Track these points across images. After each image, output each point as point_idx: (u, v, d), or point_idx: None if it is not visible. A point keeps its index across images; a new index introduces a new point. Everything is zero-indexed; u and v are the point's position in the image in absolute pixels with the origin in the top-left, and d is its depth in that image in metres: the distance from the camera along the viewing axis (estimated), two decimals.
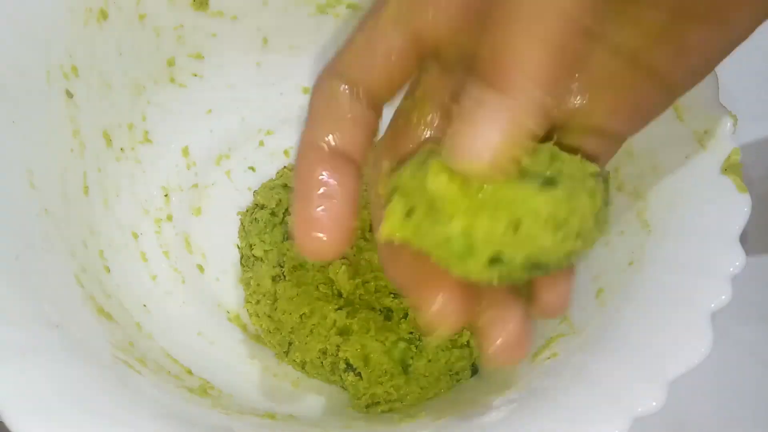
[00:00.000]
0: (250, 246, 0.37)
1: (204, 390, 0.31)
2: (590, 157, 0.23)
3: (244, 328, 0.36)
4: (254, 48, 0.40)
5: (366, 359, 0.32)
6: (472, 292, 0.22)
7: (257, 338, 0.36)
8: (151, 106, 0.38)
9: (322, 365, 0.33)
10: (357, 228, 0.34)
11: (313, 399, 0.34)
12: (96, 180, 0.35)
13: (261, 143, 0.40)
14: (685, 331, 0.25)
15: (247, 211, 0.38)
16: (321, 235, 0.21)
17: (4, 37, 0.29)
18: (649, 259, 0.28)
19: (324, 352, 0.33)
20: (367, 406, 0.32)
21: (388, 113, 0.24)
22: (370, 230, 0.34)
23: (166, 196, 0.38)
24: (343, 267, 0.33)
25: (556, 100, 0.19)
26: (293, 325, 0.34)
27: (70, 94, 0.33)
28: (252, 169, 0.40)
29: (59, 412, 0.22)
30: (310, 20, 0.40)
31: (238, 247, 0.38)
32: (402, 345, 0.32)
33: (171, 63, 0.38)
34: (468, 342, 0.33)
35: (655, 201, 0.29)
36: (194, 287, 0.36)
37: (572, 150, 0.22)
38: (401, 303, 0.33)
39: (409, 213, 0.20)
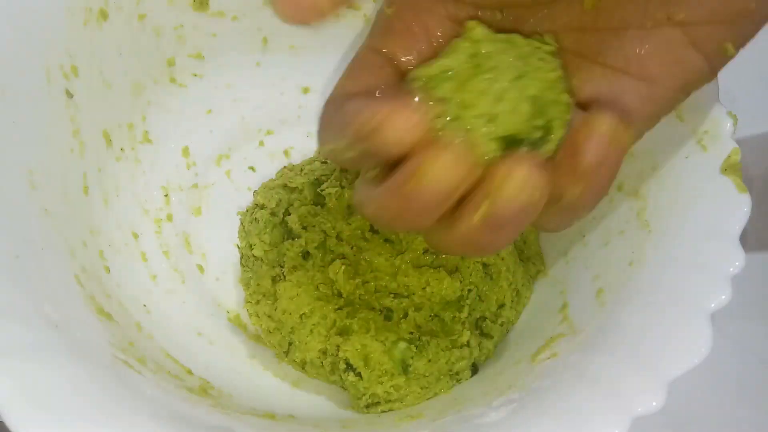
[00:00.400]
0: (250, 246, 0.37)
1: (204, 390, 0.31)
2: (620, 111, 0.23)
3: (244, 328, 0.36)
4: (254, 48, 0.40)
5: (366, 359, 0.32)
6: None
7: (257, 338, 0.36)
8: (151, 106, 0.38)
9: (322, 365, 0.33)
10: (357, 228, 0.34)
11: (313, 399, 0.34)
12: (96, 180, 0.35)
13: (261, 143, 0.40)
14: (685, 331, 0.25)
15: (247, 211, 0.38)
16: None
17: (4, 37, 0.29)
18: (649, 259, 0.28)
19: (324, 352, 0.33)
20: (367, 406, 0.32)
21: None
22: (370, 230, 0.34)
23: (166, 196, 0.38)
24: (343, 267, 0.33)
25: None
26: (293, 325, 0.34)
27: (70, 94, 0.33)
28: (252, 169, 0.40)
29: (59, 412, 0.22)
30: None
31: (238, 247, 0.38)
32: (402, 345, 0.32)
33: (171, 63, 0.38)
34: (468, 342, 0.33)
35: (655, 201, 0.29)
36: (194, 287, 0.36)
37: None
38: (401, 303, 0.33)
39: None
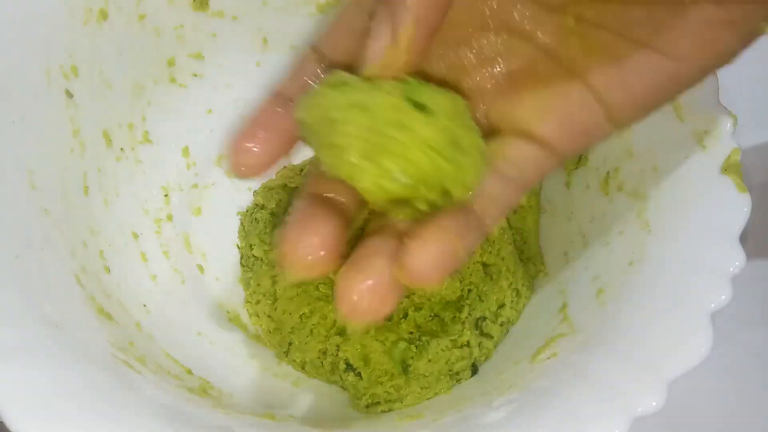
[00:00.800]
0: (250, 246, 0.37)
1: (204, 390, 0.31)
2: (532, 169, 0.24)
3: (244, 328, 0.36)
4: (254, 48, 0.40)
5: (366, 359, 0.32)
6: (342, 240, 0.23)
7: (257, 338, 0.36)
8: (151, 106, 0.38)
9: (322, 365, 0.33)
10: (358, 228, 0.34)
11: (313, 399, 0.34)
12: (96, 180, 0.35)
13: None
14: (685, 331, 0.25)
15: (247, 211, 0.38)
16: (253, 146, 0.24)
17: (4, 37, 0.29)
18: (649, 259, 0.28)
19: (324, 352, 0.33)
20: (367, 406, 0.32)
21: None
22: None
23: (166, 196, 0.38)
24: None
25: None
26: (293, 325, 0.34)
27: (70, 94, 0.33)
28: None
29: (59, 412, 0.22)
30: (310, 20, 0.40)
31: (238, 247, 0.38)
32: (402, 345, 0.32)
33: (171, 63, 0.38)
34: (468, 342, 0.33)
35: (655, 201, 0.29)
36: (194, 287, 0.36)
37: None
38: (401, 303, 0.33)
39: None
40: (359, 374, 0.32)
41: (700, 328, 0.25)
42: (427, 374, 0.32)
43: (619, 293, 0.29)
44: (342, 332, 0.33)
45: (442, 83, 0.24)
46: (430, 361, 0.32)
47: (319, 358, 0.33)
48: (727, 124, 0.28)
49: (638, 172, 0.31)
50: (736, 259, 0.26)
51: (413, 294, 0.33)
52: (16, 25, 0.30)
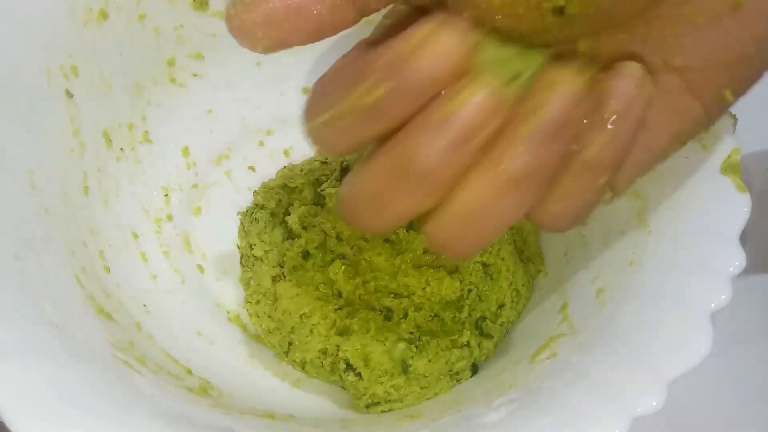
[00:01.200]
0: (250, 246, 0.37)
1: (204, 390, 0.31)
2: None
3: (244, 328, 0.36)
4: None
5: (366, 359, 0.32)
6: None
7: (257, 338, 0.36)
8: (151, 106, 0.38)
9: (322, 365, 0.33)
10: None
11: (313, 399, 0.34)
12: (96, 180, 0.35)
13: (261, 143, 0.40)
14: (685, 331, 0.25)
15: (247, 211, 0.38)
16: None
17: (3, 37, 0.29)
18: (649, 259, 0.28)
19: (324, 352, 0.33)
20: (367, 406, 0.32)
21: None
22: None
23: (166, 196, 0.38)
24: (343, 267, 0.33)
25: None
26: (293, 325, 0.34)
27: (70, 94, 0.33)
28: (252, 169, 0.40)
29: (59, 412, 0.22)
30: None
31: (238, 247, 0.38)
32: (402, 345, 0.32)
33: (171, 63, 0.38)
34: (468, 342, 0.33)
35: (655, 201, 0.29)
36: (194, 287, 0.36)
37: None
38: (401, 303, 0.33)
39: None
40: (359, 374, 0.32)
41: (700, 328, 0.25)
42: (427, 374, 0.32)
43: (619, 293, 0.29)
44: (342, 332, 0.33)
45: None
46: (430, 361, 0.32)
47: (319, 358, 0.33)
48: (727, 124, 0.28)
49: None
50: (736, 259, 0.26)
51: (413, 294, 0.33)
52: (16, 25, 0.30)
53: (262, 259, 0.36)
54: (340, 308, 0.33)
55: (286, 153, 0.40)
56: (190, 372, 0.32)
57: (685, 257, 0.27)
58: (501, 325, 0.34)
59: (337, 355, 0.33)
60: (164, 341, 0.32)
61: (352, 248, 0.34)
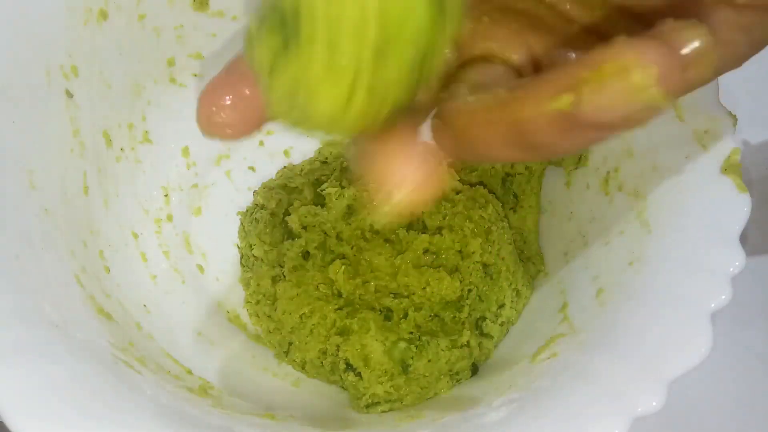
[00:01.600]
0: (250, 246, 0.37)
1: (204, 390, 0.31)
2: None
3: (244, 328, 0.36)
4: None
5: (366, 359, 0.32)
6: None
7: (257, 338, 0.36)
8: (151, 106, 0.38)
9: (322, 365, 0.33)
10: (357, 228, 0.34)
11: (313, 399, 0.34)
12: (96, 180, 0.35)
13: (261, 143, 0.40)
14: (685, 331, 0.25)
15: (247, 211, 0.38)
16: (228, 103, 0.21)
17: (4, 37, 0.29)
18: (649, 259, 0.28)
19: (324, 352, 0.33)
20: (367, 406, 0.32)
21: None
22: (370, 230, 0.34)
23: (166, 196, 0.38)
24: (343, 267, 0.33)
25: None
26: (293, 325, 0.34)
27: (70, 94, 0.33)
28: (252, 169, 0.40)
29: (59, 412, 0.22)
30: None
31: (238, 247, 0.38)
32: (402, 345, 0.32)
33: (171, 63, 0.38)
34: (468, 342, 0.33)
35: (655, 201, 0.29)
36: (194, 287, 0.36)
37: None
38: (401, 303, 0.33)
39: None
40: (359, 374, 0.32)
41: (700, 328, 0.25)
42: (427, 374, 0.32)
43: (619, 293, 0.29)
44: (342, 332, 0.33)
45: None
46: (430, 361, 0.32)
47: (319, 358, 0.33)
48: (727, 124, 0.28)
49: (638, 172, 0.31)
50: (736, 259, 0.26)
51: (413, 294, 0.33)
52: (16, 25, 0.30)
53: (262, 259, 0.36)
54: (340, 308, 0.33)
55: (286, 153, 0.40)
56: (190, 372, 0.32)
57: (685, 257, 0.27)
58: (501, 325, 0.34)
59: (337, 355, 0.33)
60: (164, 341, 0.32)
61: (352, 248, 0.34)
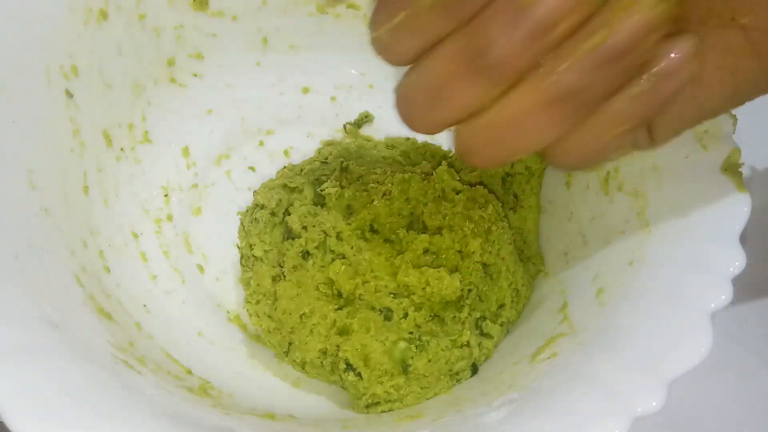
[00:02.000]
0: (250, 246, 0.37)
1: (204, 390, 0.31)
2: None
3: (244, 328, 0.36)
4: (254, 48, 0.40)
5: (366, 359, 0.32)
6: None
7: (257, 338, 0.36)
8: (151, 106, 0.38)
9: (322, 365, 0.33)
10: (357, 228, 0.34)
11: (313, 399, 0.34)
12: (96, 180, 0.35)
13: (261, 143, 0.40)
14: (685, 331, 0.25)
15: (247, 211, 0.38)
16: None
17: (4, 36, 0.29)
18: (649, 258, 0.28)
19: (324, 352, 0.33)
20: (367, 406, 0.32)
21: None
22: (370, 230, 0.34)
23: (166, 196, 0.38)
24: (343, 267, 0.33)
25: None
26: (293, 325, 0.34)
27: (70, 94, 0.33)
28: (252, 169, 0.40)
29: (59, 412, 0.22)
30: (310, 20, 0.40)
31: (238, 247, 0.38)
32: (402, 345, 0.32)
33: (171, 63, 0.38)
34: (468, 342, 0.33)
35: (655, 201, 0.29)
36: (194, 287, 0.36)
37: None
38: (401, 303, 0.33)
39: None
40: (359, 374, 0.32)
41: (700, 328, 0.25)
42: (427, 374, 0.32)
43: (619, 293, 0.29)
44: (342, 332, 0.33)
45: None
46: (430, 361, 0.32)
47: (319, 358, 0.33)
48: (727, 124, 0.28)
49: (638, 172, 0.31)
50: (736, 259, 0.26)
51: (413, 294, 0.33)
52: (16, 25, 0.30)
53: (262, 259, 0.36)
54: (340, 308, 0.33)
55: (286, 153, 0.40)
56: (190, 372, 0.32)
57: (685, 257, 0.27)
58: (501, 325, 0.34)
59: (337, 355, 0.33)
60: (164, 341, 0.32)
61: (352, 248, 0.34)
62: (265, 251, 0.36)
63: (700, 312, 0.25)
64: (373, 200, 0.34)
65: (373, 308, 0.33)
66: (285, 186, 0.37)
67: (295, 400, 0.34)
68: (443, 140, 0.39)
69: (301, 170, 0.38)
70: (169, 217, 0.38)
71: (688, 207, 0.28)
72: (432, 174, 0.36)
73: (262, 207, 0.37)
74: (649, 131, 0.22)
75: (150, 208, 0.37)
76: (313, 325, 0.33)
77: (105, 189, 0.35)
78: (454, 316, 0.33)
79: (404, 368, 0.32)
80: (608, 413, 0.24)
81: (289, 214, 0.36)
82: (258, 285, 0.35)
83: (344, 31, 0.40)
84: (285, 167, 0.39)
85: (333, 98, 0.42)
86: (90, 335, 0.27)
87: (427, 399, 0.33)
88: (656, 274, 0.27)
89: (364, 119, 0.41)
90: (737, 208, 0.27)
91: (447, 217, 0.34)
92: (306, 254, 0.35)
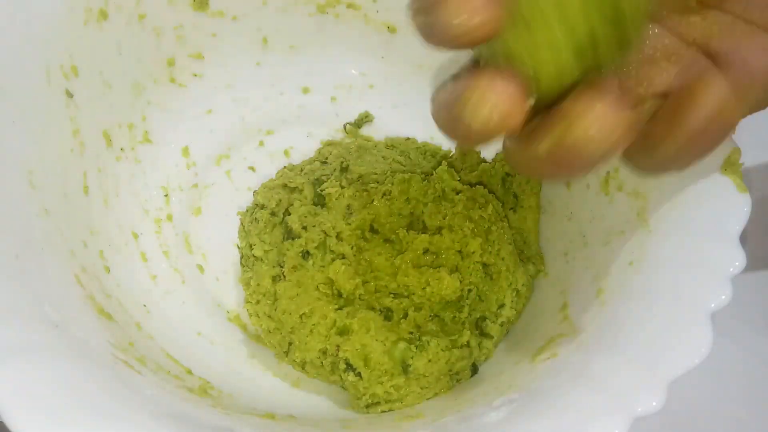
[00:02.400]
0: (250, 246, 0.37)
1: (204, 390, 0.31)
2: None
3: (244, 328, 0.36)
4: (254, 48, 0.40)
5: (366, 359, 0.32)
6: None
7: (257, 338, 0.36)
8: (151, 106, 0.38)
9: (322, 365, 0.33)
10: (357, 228, 0.34)
11: (313, 399, 0.34)
12: (96, 180, 0.35)
13: (261, 143, 0.40)
14: (685, 331, 0.25)
15: (247, 211, 0.38)
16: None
17: (4, 37, 0.29)
18: (649, 258, 0.28)
19: (324, 352, 0.33)
20: (367, 406, 0.32)
21: None
22: (370, 230, 0.34)
23: (166, 196, 0.38)
24: (343, 267, 0.33)
25: None
26: (293, 325, 0.34)
27: (70, 94, 0.33)
28: (252, 169, 0.40)
29: (59, 412, 0.22)
30: (310, 20, 0.40)
31: (238, 247, 0.38)
32: (402, 345, 0.32)
33: (171, 63, 0.38)
34: (468, 342, 0.33)
35: (655, 200, 0.29)
36: (194, 287, 0.37)
37: None
38: (401, 303, 0.33)
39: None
40: (359, 374, 0.32)
41: (700, 328, 0.25)
42: (427, 374, 0.32)
43: (619, 293, 0.29)
44: (342, 332, 0.33)
45: None
46: (430, 361, 0.32)
47: (319, 358, 0.33)
48: None
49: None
50: (736, 259, 0.26)
51: (413, 294, 0.33)
52: (16, 25, 0.30)
53: (262, 259, 0.36)
54: (340, 308, 0.33)
55: (286, 153, 0.40)
56: (190, 372, 0.32)
57: (685, 257, 0.27)
58: (501, 325, 0.34)
59: (337, 355, 0.33)
60: (164, 341, 0.32)
61: (352, 248, 0.34)
62: (265, 251, 0.36)
63: (700, 312, 0.25)
64: (373, 200, 0.34)
65: (373, 308, 0.33)
66: (285, 186, 0.37)
67: (295, 400, 0.34)
68: (443, 140, 0.39)
69: (301, 170, 0.38)
70: (169, 217, 0.38)
71: (688, 207, 0.28)
72: (432, 174, 0.36)
73: (262, 207, 0.37)
74: None
75: (150, 208, 0.37)
76: (313, 325, 0.33)
77: (105, 189, 0.35)
78: (454, 316, 0.33)
79: (404, 368, 0.32)
80: (608, 413, 0.24)
81: (289, 214, 0.36)
82: (258, 285, 0.35)
83: (344, 31, 0.40)
84: (285, 167, 0.39)
85: (333, 98, 0.42)
86: (90, 335, 0.27)
87: (427, 399, 0.33)
88: (656, 274, 0.27)
89: (364, 119, 0.41)
90: (737, 208, 0.27)
91: (447, 217, 0.34)
92: (306, 254, 0.35)
